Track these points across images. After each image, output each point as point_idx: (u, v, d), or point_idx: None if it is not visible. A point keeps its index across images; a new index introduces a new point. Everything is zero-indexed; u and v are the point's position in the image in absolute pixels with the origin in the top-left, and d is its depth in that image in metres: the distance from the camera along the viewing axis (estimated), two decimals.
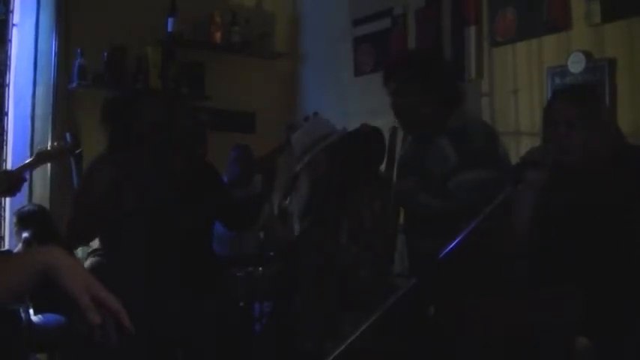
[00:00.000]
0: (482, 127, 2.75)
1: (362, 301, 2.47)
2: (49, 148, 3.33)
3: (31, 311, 3.63)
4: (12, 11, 4.66)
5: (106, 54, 4.69)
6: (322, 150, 2.94)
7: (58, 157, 3.40)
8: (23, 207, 3.99)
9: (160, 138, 2.84)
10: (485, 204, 1.79)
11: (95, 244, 3.59)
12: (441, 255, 1.45)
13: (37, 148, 3.48)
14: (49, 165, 4.24)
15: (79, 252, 3.99)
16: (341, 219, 2.70)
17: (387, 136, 3.35)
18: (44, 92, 4.58)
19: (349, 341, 1.22)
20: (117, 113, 2.90)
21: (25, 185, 3.19)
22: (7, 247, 4.45)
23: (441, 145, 2.58)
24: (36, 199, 4.32)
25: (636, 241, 2.06)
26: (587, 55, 3.49)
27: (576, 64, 3.50)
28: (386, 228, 2.81)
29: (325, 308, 2.52)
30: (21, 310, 3.53)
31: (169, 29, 4.90)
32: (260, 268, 3.88)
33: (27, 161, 3.06)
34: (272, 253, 4.06)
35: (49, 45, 4.57)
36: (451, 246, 1.46)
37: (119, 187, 2.73)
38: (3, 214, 4.55)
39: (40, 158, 3.08)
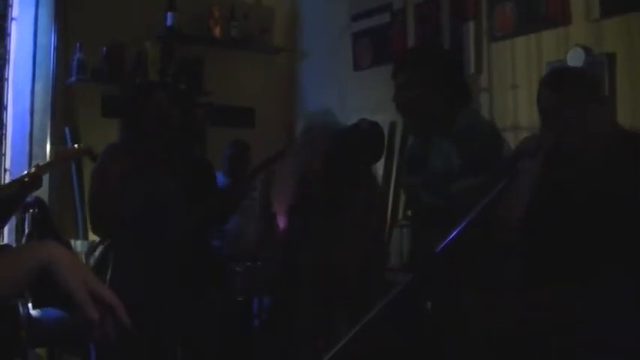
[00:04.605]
0: (487, 129, 2.61)
1: (354, 298, 2.47)
2: (68, 148, 3.34)
3: (30, 306, 3.63)
4: (11, 5, 4.66)
5: (104, 49, 4.68)
6: (324, 138, 2.86)
7: (77, 158, 3.40)
8: None
9: (169, 133, 2.85)
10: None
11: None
12: (438, 250, 1.44)
13: (54, 149, 3.44)
14: None
15: (78, 246, 3.99)
16: (335, 215, 2.69)
17: (386, 131, 3.33)
18: (43, 87, 4.58)
19: (344, 341, 1.22)
20: (129, 106, 2.92)
21: None
22: (5, 241, 4.46)
23: (444, 146, 2.48)
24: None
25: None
26: (587, 50, 3.47)
27: (575, 59, 3.49)
28: (374, 222, 2.80)
29: (320, 308, 2.52)
30: (20, 305, 3.53)
31: (168, 24, 4.89)
32: (259, 264, 3.87)
33: (47, 161, 3.07)
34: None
35: (48, 39, 4.56)
36: (447, 240, 1.46)
37: (131, 178, 2.74)
38: None
39: (59, 158, 3.10)
